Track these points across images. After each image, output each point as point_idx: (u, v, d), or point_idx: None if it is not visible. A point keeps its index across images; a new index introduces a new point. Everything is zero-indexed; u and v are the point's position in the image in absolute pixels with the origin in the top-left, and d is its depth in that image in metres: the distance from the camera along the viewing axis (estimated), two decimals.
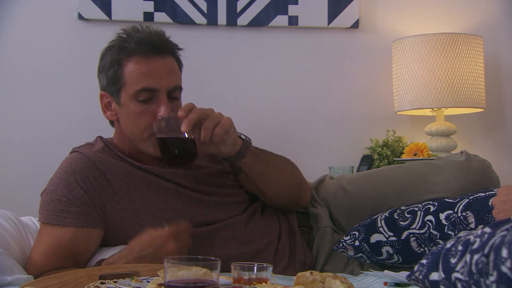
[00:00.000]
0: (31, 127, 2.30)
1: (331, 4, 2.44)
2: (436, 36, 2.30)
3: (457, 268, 0.94)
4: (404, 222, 1.51)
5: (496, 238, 0.88)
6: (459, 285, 0.94)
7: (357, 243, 1.55)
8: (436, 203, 1.50)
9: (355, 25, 2.46)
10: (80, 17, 2.32)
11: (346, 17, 2.45)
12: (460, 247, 0.96)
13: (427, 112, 2.42)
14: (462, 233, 1.19)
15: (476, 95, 2.31)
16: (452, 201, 1.48)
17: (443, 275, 0.97)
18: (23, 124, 2.30)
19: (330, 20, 2.44)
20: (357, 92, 2.50)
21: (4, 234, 1.45)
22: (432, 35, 2.30)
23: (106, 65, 1.54)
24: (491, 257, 0.85)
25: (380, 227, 1.53)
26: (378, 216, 1.57)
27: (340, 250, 1.58)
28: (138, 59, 1.50)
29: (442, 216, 1.46)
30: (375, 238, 1.53)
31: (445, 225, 1.44)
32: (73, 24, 2.32)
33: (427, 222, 1.47)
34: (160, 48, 1.53)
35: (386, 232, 1.52)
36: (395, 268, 1.53)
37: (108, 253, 1.45)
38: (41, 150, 2.28)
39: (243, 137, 1.56)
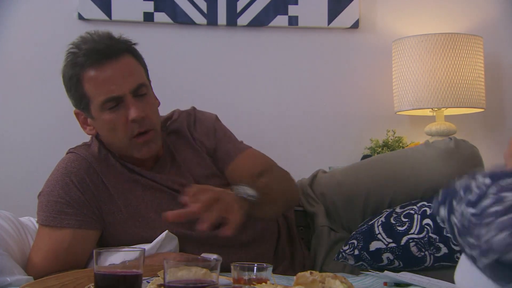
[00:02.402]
0: (31, 127, 2.31)
1: (331, 4, 2.44)
2: (436, 36, 2.29)
3: (454, 213, 0.95)
4: (402, 227, 1.50)
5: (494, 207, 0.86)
6: (455, 229, 0.94)
7: (356, 252, 1.54)
8: (432, 205, 1.48)
9: (355, 25, 2.46)
10: (80, 17, 2.32)
11: (346, 17, 2.45)
12: (461, 192, 0.96)
13: (427, 112, 2.42)
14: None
15: (476, 95, 2.31)
16: None
17: (446, 214, 0.98)
18: (22, 124, 2.30)
19: (330, 20, 2.44)
20: (357, 92, 2.50)
21: (4, 235, 1.44)
22: (432, 35, 2.30)
23: (67, 84, 1.50)
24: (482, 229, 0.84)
25: (378, 233, 1.52)
26: (375, 222, 1.56)
27: (340, 260, 1.57)
28: (91, 70, 1.45)
29: (439, 219, 1.45)
30: (374, 245, 1.52)
31: (444, 227, 1.43)
32: (73, 24, 2.32)
33: (425, 226, 1.46)
34: (109, 53, 1.46)
35: (385, 239, 1.51)
36: (396, 271, 1.53)
37: (115, 259, 1.44)
38: (40, 150, 2.28)
39: (246, 196, 1.39)
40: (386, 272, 1.37)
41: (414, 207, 1.52)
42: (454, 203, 0.96)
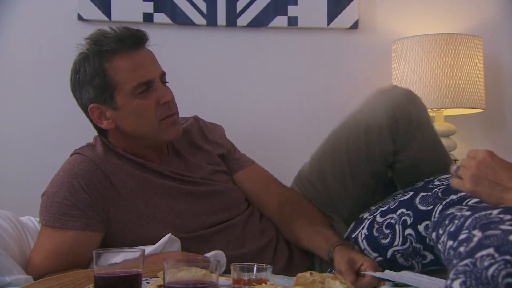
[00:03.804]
0: (31, 127, 2.30)
1: (331, 5, 2.44)
2: (436, 36, 2.29)
3: (440, 241, 0.95)
4: (385, 240, 1.49)
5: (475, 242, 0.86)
6: (441, 255, 0.95)
7: None
8: (410, 213, 1.46)
9: (355, 25, 2.46)
10: (80, 17, 2.32)
11: (345, 17, 2.45)
12: (447, 221, 0.96)
13: None
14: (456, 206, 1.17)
15: (476, 95, 2.31)
16: (426, 208, 1.44)
17: (434, 239, 0.99)
18: (22, 124, 2.30)
19: (330, 20, 2.44)
20: (356, 92, 2.50)
21: (3, 234, 1.44)
22: (432, 35, 2.30)
23: (87, 76, 1.50)
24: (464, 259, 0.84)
25: (364, 249, 1.53)
26: (358, 235, 1.55)
27: None
28: (123, 56, 1.49)
29: (420, 228, 1.43)
30: None
31: (425, 236, 1.42)
32: (72, 25, 2.32)
33: (408, 236, 1.45)
34: (138, 41, 1.52)
35: (371, 254, 1.51)
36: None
37: (115, 260, 1.44)
38: (40, 150, 2.28)
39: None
40: (386, 271, 1.37)
41: (394, 215, 1.50)
42: (441, 231, 0.97)
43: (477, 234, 0.83)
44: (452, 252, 0.87)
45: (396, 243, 1.47)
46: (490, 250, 0.77)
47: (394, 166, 1.64)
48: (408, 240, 1.45)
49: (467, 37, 2.31)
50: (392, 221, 1.50)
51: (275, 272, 1.45)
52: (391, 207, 1.53)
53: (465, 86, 2.28)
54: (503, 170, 1.05)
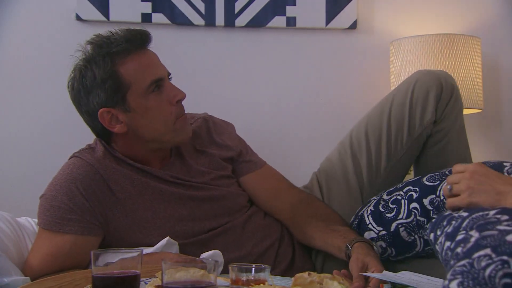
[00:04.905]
0: (29, 128, 2.30)
1: (329, 5, 2.44)
2: (434, 37, 2.30)
3: (438, 242, 0.96)
4: (390, 214, 1.52)
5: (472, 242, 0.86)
6: (438, 256, 0.95)
7: None
8: (417, 189, 1.50)
9: (353, 26, 2.46)
10: (78, 18, 2.32)
11: (344, 18, 2.45)
12: (445, 222, 0.97)
13: None
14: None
15: (474, 96, 2.31)
16: (432, 184, 1.48)
17: (432, 240, 1.00)
18: (21, 124, 2.30)
19: (328, 21, 2.44)
20: (355, 93, 2.50)
21: (1, 235, 1.44)
22: (430, 36, 2.30)
23: (96, 80, 1.46)
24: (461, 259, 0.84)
25: (369, 223, 1.55)
26: (364, 212, 1.59)
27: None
28: (135, 55, 1.48)
29: (425, 201, 1.47)
30: (367, 236, 1.55)
31: (430, 210, 1.46)
32: (71, 25, 2.32)
33: (413, 210, 1.49)
34: (144, 40, 1.51)
35: (375, 228, 1.54)
36: (390, 262, 1.54)
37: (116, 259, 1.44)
38: (39, 151, 2.27)
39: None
40: (385, 272, 1.37)
41: (401, 192, 1.54)
42: (438, 232, 0.97)
43: (474, 234, 0.84)
44: (449, 253, 0.88)
45: (400, 216, 1.50)
46: (487, 251, 0.77)
47: (428, 141, 1.71)
48: (413, 213, 1.49)
49: (465, 38, 2.31)
50: (399, 197, 1.54)
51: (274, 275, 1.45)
52: (398, 187, 1.58)
53: (463, 86, 2.28)
54: (495, 176, 1.08)
